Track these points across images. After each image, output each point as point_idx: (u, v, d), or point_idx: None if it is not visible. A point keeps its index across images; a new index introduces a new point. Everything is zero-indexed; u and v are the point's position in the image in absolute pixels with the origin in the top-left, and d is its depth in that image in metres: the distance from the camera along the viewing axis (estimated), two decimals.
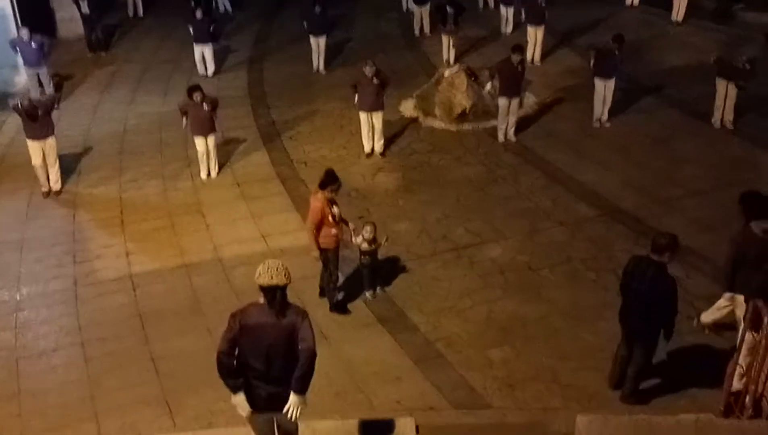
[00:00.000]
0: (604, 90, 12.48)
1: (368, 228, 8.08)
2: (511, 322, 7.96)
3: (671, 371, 7.06)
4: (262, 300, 5.04)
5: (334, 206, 7.72)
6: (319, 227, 7.69)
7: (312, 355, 4.97)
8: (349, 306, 8.25)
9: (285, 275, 4.99)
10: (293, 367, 5.06)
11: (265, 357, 5.01)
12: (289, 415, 5.03)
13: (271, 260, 5.09)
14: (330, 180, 7.62)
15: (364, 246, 8.14)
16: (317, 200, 7.65)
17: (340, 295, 8.19)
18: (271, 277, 4.95)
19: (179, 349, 7.63)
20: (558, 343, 7.63)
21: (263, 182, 11.20)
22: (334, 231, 7.73)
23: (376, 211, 10.24)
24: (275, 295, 4.97)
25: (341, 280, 8.38)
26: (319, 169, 11.05)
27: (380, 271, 8.54)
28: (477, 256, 9.21)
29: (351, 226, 8.15)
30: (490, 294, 8.46)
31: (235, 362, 5.06)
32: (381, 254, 8.45)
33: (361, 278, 8.45)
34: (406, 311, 8.19)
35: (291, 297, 8.32)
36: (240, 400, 5.08)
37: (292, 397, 5.03)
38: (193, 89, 10.88)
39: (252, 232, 9.80)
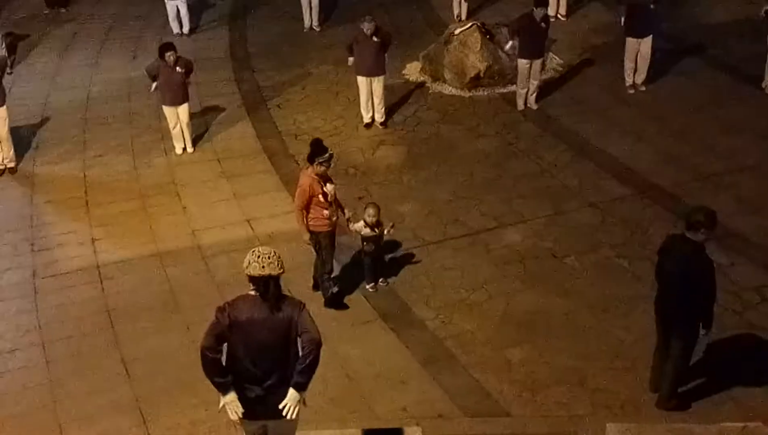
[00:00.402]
0: (638, 50, 12.40)
1: (371, 210, 8.06)
2: (531, 318, 7.98)
3: (713, 371, 7.08)
4: (252, 292, 5.06)
5: (327, 184, 7.69)
6: (308, 207, 7.67)
7: (318, 345, 5.05)
8: (348, 300, 8.27)
9: (278, 264, 5.04)
10: (289, 367, 5.10)
11: (257, 356, 5.06)
12: (285, 412, 5.05)
13: (262, 247, 5.14)
14: (317, 151, 7.57)
15: (366, 231, 8.13)
16: (306, 176, 7.63)
17: (335, 288, 8.20)
18: (263, 267, 4.99)
19: (153, 350, 7.66)
20: (585, 341, 7.65)
21: (247, 158, 11.19)
22: (326, 212, 7.70)
23: (377, 191, 10.22)
24: (268, 286, 5.02)
25: (337, 269, 8.39)
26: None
27: (383, 259, 8.55)
28: (493, 241, 9.21)
29: (347, 212, 8.11)
30: (508, 285, 8.47)
31: (222, 360, 5.10)
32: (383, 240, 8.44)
33: (360, 267, 8.46)
34: (412, 305, 8.21)
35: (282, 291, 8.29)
36: (231, 399, 5.11)
37: (292, 393, 5.07)
38: (165, 48, 10.82)
39: (235, 216, 9.81)
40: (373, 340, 7.74)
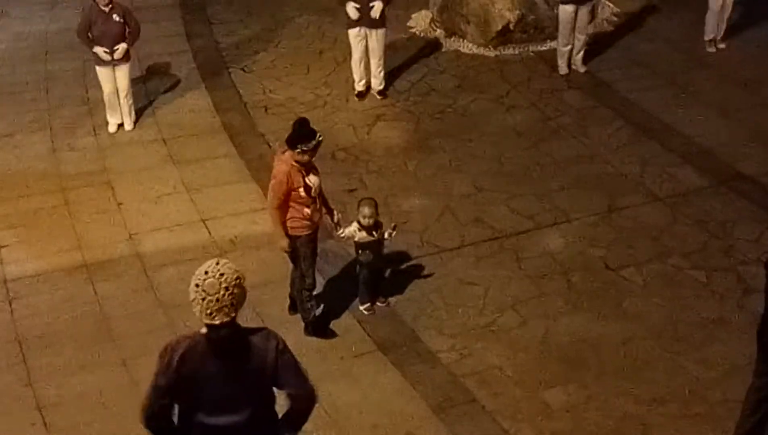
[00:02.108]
0: None
1: (366, 209, 8.06)
2: (578, 349, 7.99)
3: None
4: (204, 330, 4.83)
5: (310, 175, 7.69)
6: (285, 205, 7.66)
7: (312, 402, 5.02)
8: (336, 325, 8.27)
9: (231, 304, 4.69)
10: (268, 421, 5.05)
11: (217, 418, 4.90)
12: None
13: (209, 277, 4.68)
14: (301, 135, 7.56)
15: (361, 236, 8.13)
16: (282, 162, 7.63)
17: (318, 310, 8.22)
18: (210, 313, 4.67)
19: (78, 392, 7.64)
20: (649, 379, 7.65)
21: (203, 138, 11.19)
22: (306, 210, 7.70)
23: (373, 182, 10.24)
24: (219, 338, 4.76)
25: (321, 285, 8.39)
26: (286, 116, 11.04)
27: (383, 272, 8.57)
28: (528, 248, 9.22)
29: (336, 214, 8.10)
30: (548, 306, 8.48)
31: (174, 418, 5.02)
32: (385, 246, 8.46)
33: (352, 282, 8.47)
34: (421, 333, 8.21)
35: (247, 312, 8.28)
36: None
37: None
38: None
39: (186, 214, 9.81)
40: (369, 379, 7.74)
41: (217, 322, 4.70)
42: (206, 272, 4.68)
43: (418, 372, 7.80)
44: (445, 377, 7.75)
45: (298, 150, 7.50)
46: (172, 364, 4.82)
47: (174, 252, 9.21)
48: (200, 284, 4.67)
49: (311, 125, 7.63)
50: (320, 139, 7.61)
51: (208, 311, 4.67)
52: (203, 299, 4.65)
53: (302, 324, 8.15)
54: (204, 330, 4.80)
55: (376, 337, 8.17)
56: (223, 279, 4.66)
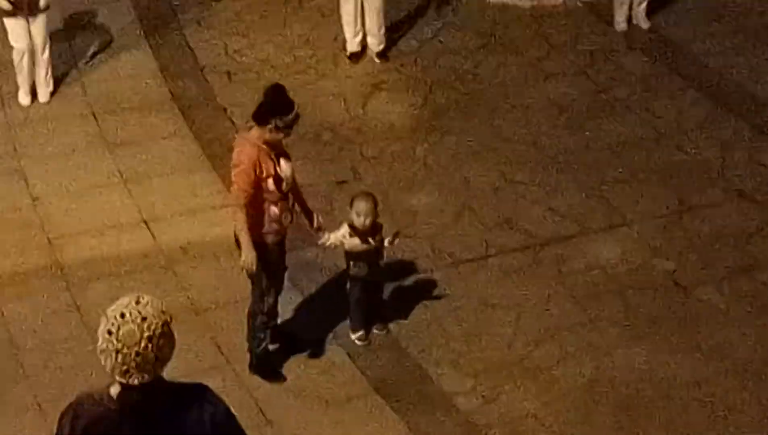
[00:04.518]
0: None
1: (362, 204, 8.06)
2: (638, 391, 8.02)
3: None
4: (116, 390, 4.61)
5: (281, 162, 7.68)
6: (254, 201, 7.66)
7: None
8: (325, 359, 8.29)
9: (155, 359, 4.48)
10: None
11: None
12: None
13: (125, 318, 4.44)
14: (276, 104, 7.56)
15: (354, 243, 8.16)
16: (248, 143, 7.60)
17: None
18: (126, 370, 4.46)
19: None
20: (733, 431, 7.69)
21: (145, 112, 11.21)
22: (275, 210, 7.67)
23: (370, 171, 10.29)
24: (136, 406, 4.59)
25: (297, 306, 8.48)
26: (255, 84, 11.05)
27: (381, 290, 8.60)
28: (572, 259, 9.27)
29: (317, 216, 8.11)
30: (598, 335, 8.52)
31: None
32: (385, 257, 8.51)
33: (340, 302, 8.51)
34: (431, 370, 8.24)
35: (203, 340, 8.33)
36: None
37: None
38: None
39: (124, 212, 9.83)
40: (363, 430, 7.77)
41: (136, 383, 4.48)
42: (122, 315, 4.41)
43: (428, 421, 7.84)
44: (464, 429, 7.79)
45: (271, 126, 7.50)
46: (77, 426, 4.70)
47: (106, 262, 9.21)
48: (114, 332, 4.40)
49: (288, 94, 7.66)
50: (298, 111, 7.62)
51: (124, 368, 4.43)
52: (117, 352, 4.40)
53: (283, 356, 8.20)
54: (115, 390, 4.59)
55: (372, 375, 8.21)
56: (145, 326, 4.40)
